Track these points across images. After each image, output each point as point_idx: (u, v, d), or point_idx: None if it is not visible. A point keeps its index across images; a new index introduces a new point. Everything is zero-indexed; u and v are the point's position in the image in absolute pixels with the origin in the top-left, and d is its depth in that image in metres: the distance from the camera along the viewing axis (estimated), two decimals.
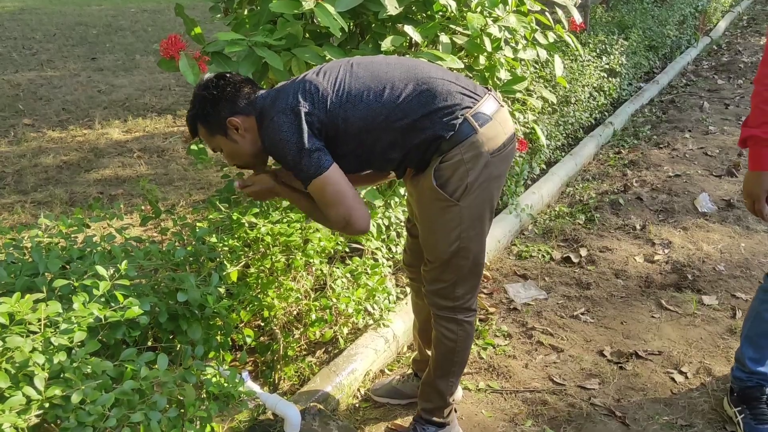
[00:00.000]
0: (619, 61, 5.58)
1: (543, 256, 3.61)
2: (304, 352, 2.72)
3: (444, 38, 2.39)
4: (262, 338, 2.61)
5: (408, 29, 2.28)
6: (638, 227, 3.87)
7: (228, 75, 1.90)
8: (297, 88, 1.81)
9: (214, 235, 2.09)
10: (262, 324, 2.61)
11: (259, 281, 2.38)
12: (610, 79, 5.54)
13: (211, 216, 2.32)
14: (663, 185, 4.45)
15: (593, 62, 5.24)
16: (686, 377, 2.62)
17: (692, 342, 2.83)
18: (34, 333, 1.52)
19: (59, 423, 1.49)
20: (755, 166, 2.02)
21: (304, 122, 1.75)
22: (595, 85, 5.22)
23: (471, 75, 2.62)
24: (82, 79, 7.82)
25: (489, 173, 1.88)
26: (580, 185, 4.57)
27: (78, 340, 1.50)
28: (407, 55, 2.29)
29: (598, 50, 5.51)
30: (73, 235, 2.06)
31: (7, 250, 1.82)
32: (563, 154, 4.79)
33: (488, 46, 2.45)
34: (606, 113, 5.73)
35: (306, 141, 1.74)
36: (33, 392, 1.40)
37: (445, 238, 1.94)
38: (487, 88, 1.98)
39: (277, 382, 2.54)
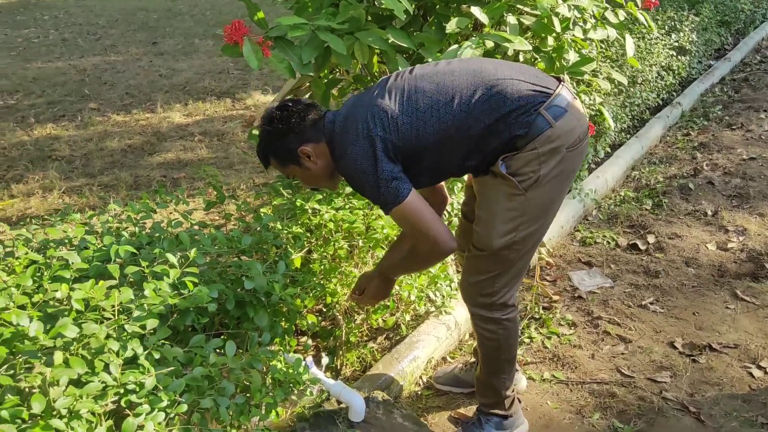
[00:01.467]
0: (689, 39, 5.33)
1: (608, 243, 3.49)
2: (366, 338, 2.71)
3: (511, 19, 2.31)
4: (323, 323, 2.61)
5: (474, 10, 2.21)
6: (710, 213, 3.71)
7: (290, 104, 1.88)
8: (366, 115, 1.78)
9: (278, 222, 2.08)
10: (324, 310, 2.61)
11: (322, 267, 2.37)
12: (679, 57, 5.31)
13: (275, 202, 2.32)
14: (736, 169, 4.25)
15: (662, 40, 5.02)
16: (765, 372, 2.50)
17: None
18: (108, 319, 1.54)
19: (132, 408, 1.51)
20: None
21: (378, 150, 1.74)
22: (663, 64, 5.01)
23: (538, 57, 2.53)
24: (144, 64, 7.99)
25: (562, 168, 1.82)
26: (647, 169, 4.41)
27: (150, 328, 1.52)
28: (474, 38, 2.22)
29: (667, 27, 5.28)
30: (141, 221, 2.09)
31: (81, 235, 1.85)
32: (628, 136, 4.62)
33: (557, 27, 2.35)
34: (674, 93, 5.50)
35: (382, 170, 1.74)
36: (108, 378, 1.42)
37: (502, 227, 1.87)
38: (558, 78, 1.90)
39: (339, 367, 2.54)
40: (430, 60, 2.37)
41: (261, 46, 2.29)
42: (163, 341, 1.66)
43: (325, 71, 2.89)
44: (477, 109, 1.76)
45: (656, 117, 5.02)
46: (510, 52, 2.41)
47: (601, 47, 3.85)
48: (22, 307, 1.57)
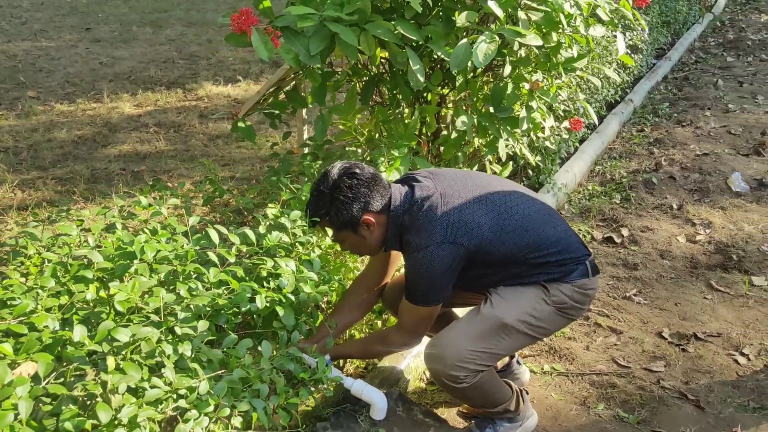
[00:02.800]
0: (641, 38, 5.53)
1: (584, 236, 3.58)
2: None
3: (521, 14, 2.31)
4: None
5: (491, 4, 2.20)
6: (675, 207, 3.86)
7: (358, 171, 1.89)
8: (456, 219, 1.84)
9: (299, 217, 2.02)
10: (324, 307, 2.55)
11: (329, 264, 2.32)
12: (632, 55, 5.49)
13: (284, 197, 2.25)
14: (693, 164, 4.45)
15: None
16: (749, 359, 2.62)
17: (749, 323, 2.83)
18: (149, 321, 1.45)
19: (181, 414, 1.43)
20: None
21: (457, 260, 1.84)
22: (619, 61, 5.16)
23: (539, 53, 2.55)
24: (80, 51, 7.60)
25: (575, 314, 2.00)
26: (609, 164, 4.55)
27: (202, 330, 1.44)
28: (488, 32, 2.21)
29: (621, 26, 5.44)
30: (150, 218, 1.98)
31: (98, 234, 1.73)
32: (590, 132, 4.75)
33: (564, 23, 2.38)
34: (627, 90, 5.69)
35: (448, 280, 1.86)
36: (161, 384, 1.34)
37: (520, 312, 1.95)
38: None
39: (342, 364, 2.49)
40: (439, 53, 2.36)
41: (269, 36, 2.21)
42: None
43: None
44: (545, 246, 1.91)
45: (612, 113, 5.18)
46: (515, 47, 2.42)
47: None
48: (49, 310, 1.46)
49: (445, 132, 3.02)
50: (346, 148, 3.01)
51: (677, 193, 4.06)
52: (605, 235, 3.57)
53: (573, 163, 4.21)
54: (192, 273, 1.62)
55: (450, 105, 2.98)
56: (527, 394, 2.32)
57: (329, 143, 2.96)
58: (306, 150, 3.13)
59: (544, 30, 2.50)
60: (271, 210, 2.04)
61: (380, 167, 2.46)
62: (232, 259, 1.67)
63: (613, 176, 4.33)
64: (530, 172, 3.77)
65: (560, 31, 2.45)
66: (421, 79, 2.30)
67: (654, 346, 2.70)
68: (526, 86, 2.66)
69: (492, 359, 1.94)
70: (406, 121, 2.86)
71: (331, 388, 2.09)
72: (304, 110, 3.29)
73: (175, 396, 1.35)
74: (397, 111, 2.83)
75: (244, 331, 1.85)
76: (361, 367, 2.50)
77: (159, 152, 4.63)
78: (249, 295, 1.68)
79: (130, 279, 1.54)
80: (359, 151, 2.97)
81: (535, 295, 1.93)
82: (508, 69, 2.58)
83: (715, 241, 3.49)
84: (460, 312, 2.34)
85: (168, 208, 1.98)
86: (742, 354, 2.65)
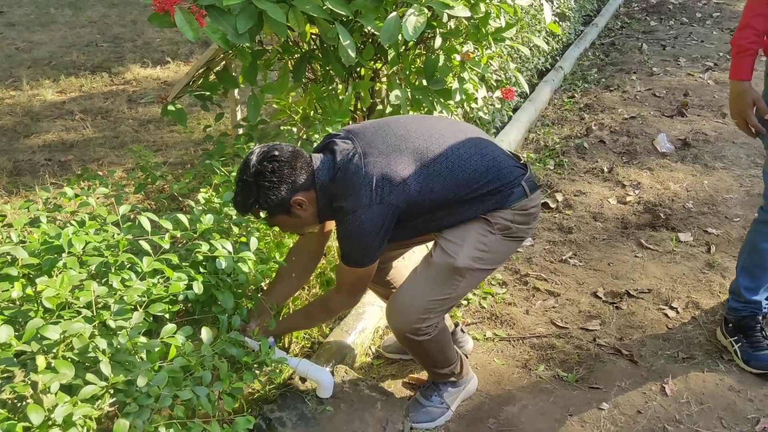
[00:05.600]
0: (569, 5, 5.63)
1: None
2: None
3: None
4: None
5: None
6: (606, 170, 3.98)
7: (277, 153, 1.84)
8: (379, 179, 1.81)
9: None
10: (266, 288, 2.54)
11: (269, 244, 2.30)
12: (560, 23, 5.59)
13: (215, 180, 2.21)
14: (620, 127, 4.58)
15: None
16: (677, 312, 2.75)
17: (676, 278, 2.97)
18: (81, 315, 1.41)
19: (120, 408, 1.41)
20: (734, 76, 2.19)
21: (388, 219, 1.83)
22: (548, 30, 5.25)
23: (468, 24, 2.56)
24: None
25: (523, 234, 2.01)
26: (542, 131, 4.64)
27: (136, 321, 1.41)
28: (416, 5, 2.21)
29: None
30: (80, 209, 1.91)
31: (21, 228, 1.67)
32: (523, 100, 4.83)
33: None
34: (557, 58, 5.80)
35: (381, 240, 1.85)
36: (97, 380, 1.31)
37: (470, 251, 1.96)
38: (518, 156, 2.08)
39: (288, 344, 2.50)
40: (369, 28, 2.34)
41: (194, 16, 2.14)
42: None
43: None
44: (475, 180, 1.89)
45: (543, 81, 5.28)
46: (444, 18, 2.42)
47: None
48: None
49: (380, 107, 3.02)
50: (281, 128, 2.98)
51: (607, 156, 4.18)
52: (541, 201, 3.65)
53: (508, 131, 4.28)
54: (125, 263, 1.58)
55: (384, 79, 2.97)
56: (466, 361, 2.38)
57: (264, 123, 2.92)
58: (240, 131, 3.08)
59: (473, 1, 2.52)
60: (203, 194, 2.00)
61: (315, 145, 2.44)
62: (166, 246, 1.63)
63: (547, 143, 4.42)
64: None
65: (487, 1, 2.47)
66: (352, 55, 2.28)
67: (590, 306, 2.80)
68: (458, 58, 2.68)
69: (452, 302, 2.00)
70: (341, 98, 2.84)
71: (277, 370, 2.10)
72: (236, 90, 3.23)
73: (112, 391, 1.33)
74: (330, 87, 2.81)
75: (183, 319, 1.82)
76: (306, 347, 2.51)
77: (87, 140, 4.46)
78: (185, 282, 1.65)
79: (59, 273, 1.49)
80: (294, 129, 2.94)
81: (479, 229, 1.94)
82: (438, 41, 2.59)
83: (644, 201, 3.63)
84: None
85: (97, 198, 1.91)
86: (672, 308, 2.77)
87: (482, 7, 2.45)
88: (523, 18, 3.40)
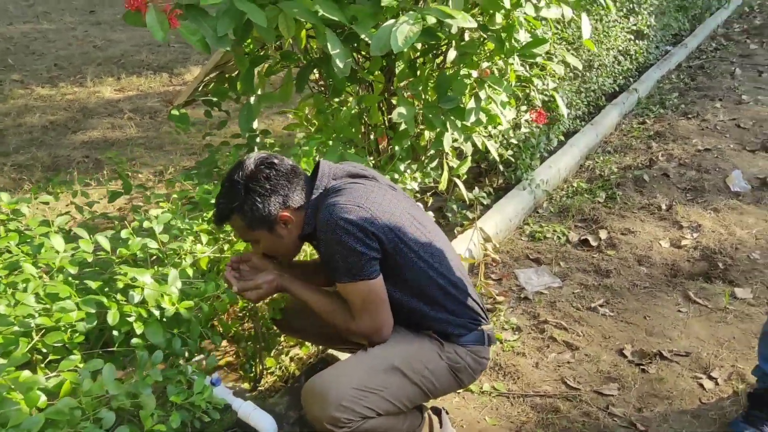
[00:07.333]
0: (648, 23, 5.16)
1: (558, 238, 3.30)
2: (293, 343, 2.46)
3: None
4: (246, 326, 2.33)
5: None
6: (664, 207, 3.55)
7: (276, 161, 1.70)
8: (367, 203, 1.66)
9: (179, 219, 1.79)
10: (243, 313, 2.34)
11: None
12: (636, 41, 5.13)
13: (175, 195, 2.03)
14: (692, 160, 4.10)
15: (620, 23, 4.83)
16: (716, 383, 2.33)
17: (723, 342, 2.54)
18: None
19: None
20: None
21: (369, 226, 1.62)
22: (620, 48, 4.83)
23: (485, 36, 2.28)
24: (78, 33, 7.49)
25: (467, 381, 1.85)
26: (601, 158, 4.23)
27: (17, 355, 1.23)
28: (413, 12, 1.95)
29: (625, 9, 5.08)
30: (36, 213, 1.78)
31: None
32: (583, 123, 4.43)
33: (507, 3, 2.10)
34: (631, 79, 5.34)
35: (370, 247, 1.63)
36: None
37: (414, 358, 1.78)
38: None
39: (258, 377, 2.29)
40: (363, 36, 2.10)
41: (168, 15, 1.98)
42: (22, 367, 1.38)
43: (252, 47, 2.59)
44: (439, 291, 1.77)
45: (612, 103, 4.85)
46: (454, 30, 2.15)
47: (557, 27, 3.62)
48: None
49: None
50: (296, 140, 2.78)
51: (669, 192, 3.73)
52: (581, 237, 3.28)
53: (558, 157, 3.92)
54: (20, 284, 1.41)
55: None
56: (446, 414, 2.08)
57: (267, 134, 2.73)
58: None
59: (491, 11, 2.23)
60: (157, 211, 1.82)
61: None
62: (72, 270, 1.46)
63: (602, 172, 4.01)
64: (500, 167, 3.49)
65: (505, 12, 2.17)
66: (341, 65, 2.05)
67: (611, 365, 2.43)
68: (474, 74, 2.39)
69: (380, 404, 1.66)
70: (352, 111, 2.62)
71: (216, 414, 1.88)
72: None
73: None
74: (337, 100, 2.59)
75: (103, 350, 1.64)
76: (281, 379, 2.29)
77: (128, 139, 4.46)
78: (93, 310, 1.47)
79: None
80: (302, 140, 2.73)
81: (430, 347, 1.77)
82: (452, 55, 2.32)
83: (702, 246, 3.18)
84: None
85: (68, 204, 1.77)
86: (710, 377, 2.36)
87: (498, 18, 2.16)
88: (563, 31, 3.07)
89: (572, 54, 3.27)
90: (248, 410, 1.82)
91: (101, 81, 5.67)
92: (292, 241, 1.76)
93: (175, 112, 2.73)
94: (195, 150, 4.27)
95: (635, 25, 5.03)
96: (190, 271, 1.66)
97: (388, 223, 1.65)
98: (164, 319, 1.65)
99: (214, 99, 2.81)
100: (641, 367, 2.42)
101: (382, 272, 1.68)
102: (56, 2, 9.24)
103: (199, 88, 2.84)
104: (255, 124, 3.17)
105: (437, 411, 2.06)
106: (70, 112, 4.95)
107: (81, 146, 4.34)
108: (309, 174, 1.80)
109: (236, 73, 2.91)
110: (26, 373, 1.37)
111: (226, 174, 1.75)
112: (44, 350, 1.49)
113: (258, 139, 2.69)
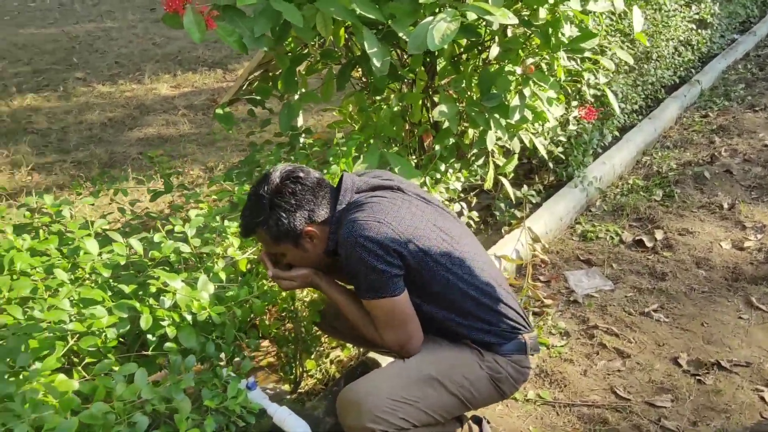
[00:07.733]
0: (711, 11, 4.91)
1: (611, 238, 3.17)
2: (334, 344, 2.44)
3: None
4: (287, 326, 2.33)
5: None
6: (726, 206, 3.37)
7: (302, 175, 1.69)
8: (393, 218, 1.64)
9: (213, 220, 1.79)
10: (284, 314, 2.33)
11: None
12: (699, 31, 4.90)
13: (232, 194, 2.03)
14: (757, 156, 3.88)
15: (681, 12, 4.61)
16: None
17: None
18: None
19: None
20: None
21: (391, 243, 1.60)
22: (681, 38, 4.61)
23: (530, 31, 2.19)
24: (138, 31, 7.68)
25: (510, 390, 1.81)
26: (659, 154, 4.05)
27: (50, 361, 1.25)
28: (451, 9, 1.89)
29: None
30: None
31: None
32: (640, 117, 4.26)
33: None
34: (693, 70, 5.10)
35: (386, 263, 1.60)
36: None
37: (453, 371, 1.75)
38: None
39: (298, 380, 2.28)
40: (401, 34, 2.05)
41: (205, 16, 1.98)
42: (57, 371, 1.40)
43: (292, 45, 2.57)
44: (478, 304, 1.73)
45: (672, 96, 4.64)
46: (495, 26, 2.08)
47: (611, 19, 3.48)
48: None
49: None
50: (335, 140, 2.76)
51: (731, 190, 3.54)
52: (636, 238, 3.15)
53: (613, 153, 3.77)
54: (54, 288, 1.43)
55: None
56: (488, 423, 2.02)
57: (309, 132, 2.72)
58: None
59: (534, 6, 2.15)
60: (194, 212, 1.82)
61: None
62: (105, 273, 1.47)
63: (660, 169, 3.84)
64: (550, 164, 3.38)
65: (549, 6, 2.08)
66: (378, 64, 2.01)
67: (665, 374, 2.32)
68: (518, 71, 2.30)
69: (416, 415, 1.63)
70: (395, 109, 2.58)
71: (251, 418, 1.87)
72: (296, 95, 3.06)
73: None
74: (379, 98, 2.55)
75: (138, 353, 1.65)
76: (321, 382, 2.28)
77: (181, 136, 4.54)
78: (125, 315, 1.48)
79: None
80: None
81: (470, 357, 1.74)
82: (495, 51, 2.25)
83: (767, 248, 3.00)
84: None
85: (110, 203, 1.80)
86: None
87: (542, 13, 2.07)
88: (620, 23, 2.93)
89: (627, 46, 3.12)
90: (283, 415, 1.81)
91: (158, 78, 5.80)
92: (317, 255, 1.74)
93: (219, 111, 2.74)
94: (244, 147, 4.31)
95: (697, 14, 4.79)
96: (222, 275, 1.65)
97: (410, 238, 1.62)
98: (197, 324, 1.65)
99: (258, 97, 2.80)
100: (697, 377, 2.30)
101: (408, 287, 1.65)
102: (119, 1, 9.51)
103: (244, 87, 2.84)
104: (301, 121, 3.17)
105: (478, 420, 2.01)
106: (128, 109, 5.07)
107: (137, 143, 4.44)
108: (335, 185, 1.78)
109: (279, 71, 2.91)
110: (61, 377, 1.39)
111: (252, 186, 1.75)
112: (80, 354, 1.52)
113: (302, 138, 2.68)
